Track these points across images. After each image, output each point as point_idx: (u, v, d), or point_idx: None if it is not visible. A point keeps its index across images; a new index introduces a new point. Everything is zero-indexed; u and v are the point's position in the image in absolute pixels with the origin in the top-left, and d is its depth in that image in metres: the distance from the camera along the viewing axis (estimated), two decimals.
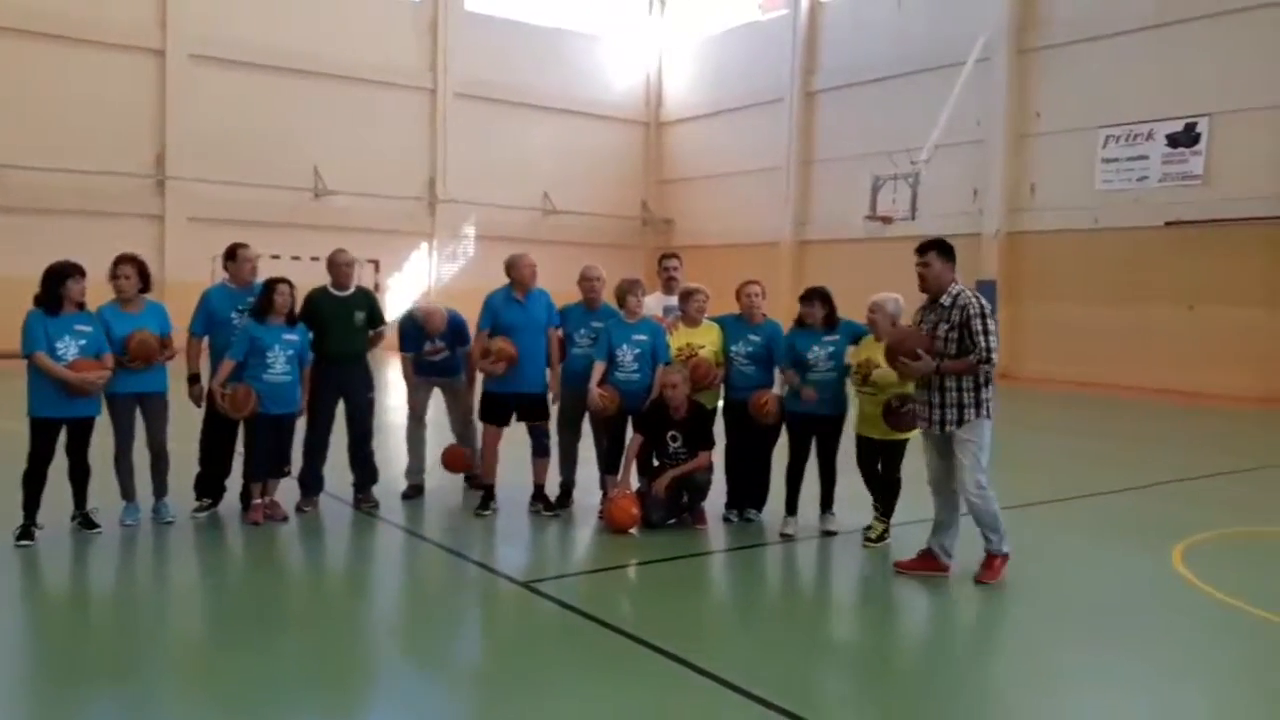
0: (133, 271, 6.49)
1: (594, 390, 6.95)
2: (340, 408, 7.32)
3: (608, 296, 7.34)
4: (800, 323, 6.91)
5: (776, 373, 7.05)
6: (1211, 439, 13.51)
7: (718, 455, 7.21)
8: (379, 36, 25.93)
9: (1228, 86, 18.30)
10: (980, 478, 5.81)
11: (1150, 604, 5.74)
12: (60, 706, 3.98)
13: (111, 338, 6.34)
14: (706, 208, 28.99)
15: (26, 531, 6.13)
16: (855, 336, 6.88)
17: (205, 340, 7.05)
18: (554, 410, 7.44)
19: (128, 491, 6.66)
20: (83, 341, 6.17)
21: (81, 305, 6.26)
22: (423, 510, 7.52)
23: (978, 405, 5.81)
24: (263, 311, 6.73)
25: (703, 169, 29.28)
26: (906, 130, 21.85)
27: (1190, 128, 18.89)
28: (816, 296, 6.89)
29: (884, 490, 6.75)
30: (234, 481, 7.12)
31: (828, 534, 6.93)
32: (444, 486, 8.02)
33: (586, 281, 7.34)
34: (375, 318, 7.47)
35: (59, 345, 6.09)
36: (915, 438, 6.47)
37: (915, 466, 6.53)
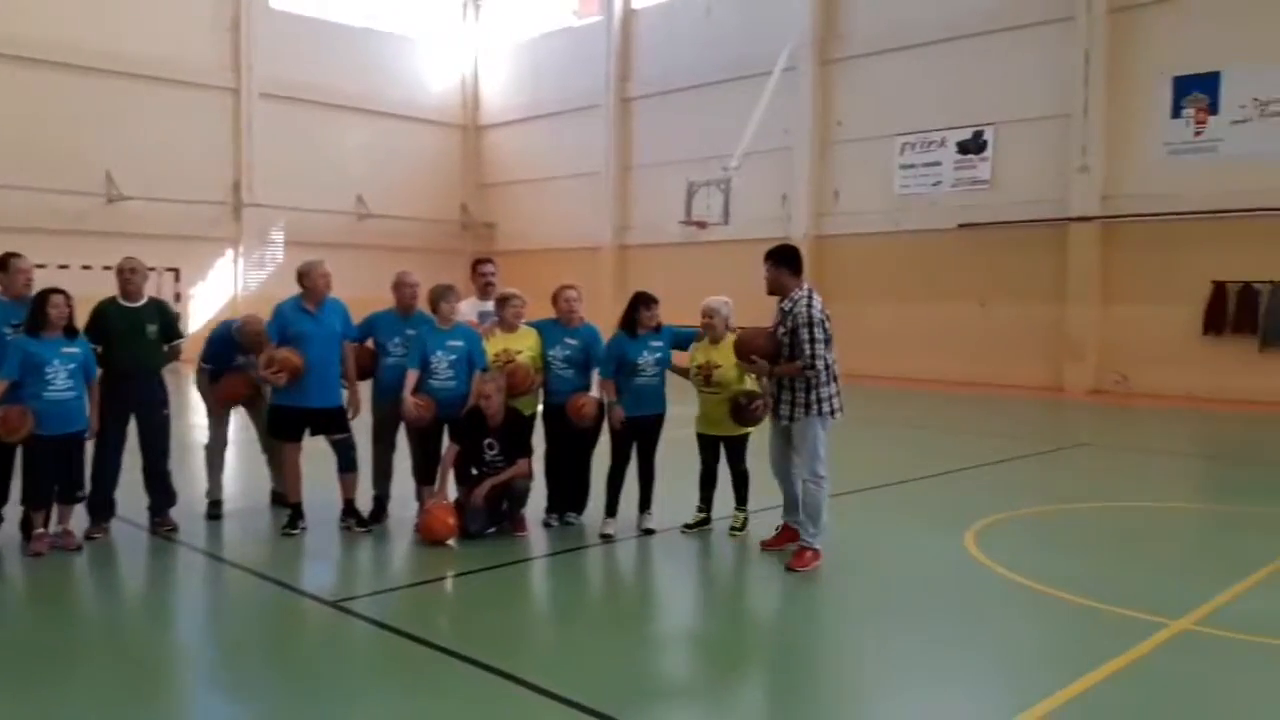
0: None
1: (408, 399, 6.78)
2: (134, 427, 6.87)
3: (421, 303, 7.19)
4: (628, 327, 6.96)
5: (594, 375, 7.08)
6: (1003, 427, 14.48)
7: (537, 460, 7.19)
8: (176, 34, 24.55)
9: (1010, 97, 19.68)
10: (818, 467, 6.24)
11: (944, 583, 6.08)
12: None
13: None
14: (528, 212, 28.90)
15: None
16: (677, 340, 7.04)
17: None
18: (365, 422, 7.22)
19: None
20: None
21: None
22: (226, 532, 7.14)
23: (807, 406, 6.22)
24: (37, 325, 6.23)
25: (523, 173, 29.17)
26: (719, 137, 22.45)
27: (978, 135, 20.21)
28: (651, 301, 6.99)
29: (735, 481, 7.07)
30: (14, 509, 6.56)
31: (647, 532, 7.02)
32: (251, 507, 7.62)
33: (402, 288, 7.15)
34: (170, 330, 7.05)
35: None
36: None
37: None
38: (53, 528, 6.48)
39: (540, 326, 7.25)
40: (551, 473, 7.28)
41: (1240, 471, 11.02)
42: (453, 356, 6.88)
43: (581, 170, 27.28)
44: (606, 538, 6.94)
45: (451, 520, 6.67)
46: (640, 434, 7.01)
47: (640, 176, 26.39)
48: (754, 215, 22.09)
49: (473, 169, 30.48)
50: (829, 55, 22.37)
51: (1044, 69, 19.26)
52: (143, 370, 6.85)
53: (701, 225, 22.17)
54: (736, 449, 7.07)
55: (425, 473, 7.04)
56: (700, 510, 7.18)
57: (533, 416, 7.20)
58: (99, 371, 6.57)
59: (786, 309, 6.29)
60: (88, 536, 6.66)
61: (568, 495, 7.29)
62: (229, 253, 25.72)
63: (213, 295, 25.00)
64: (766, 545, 6.68)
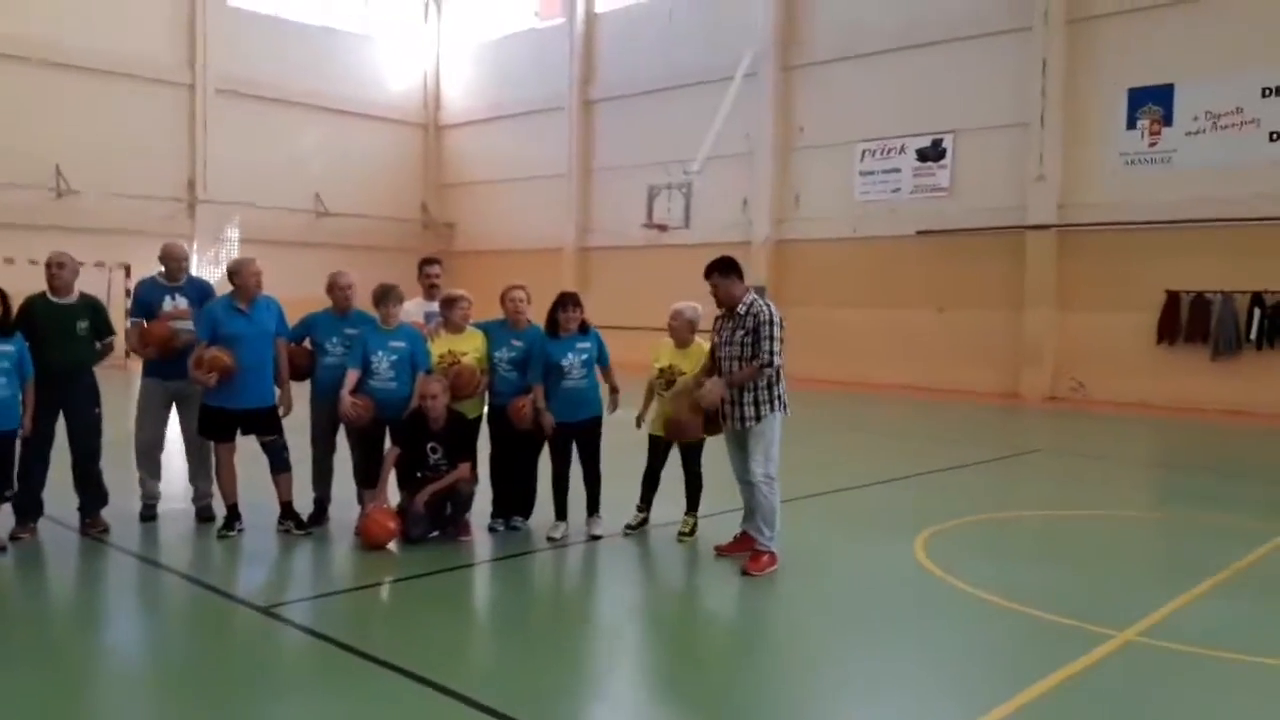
0: None
1: (345, 398, 6.60)
2: (63, 425, 6.64)
3: (364, 303, 7.02)
4: (553, 329, 6.84)
5: None
6: (960, 433, 14.50)
7: (483, 464, 7.05)
8: (131, 28, 24.09)
9: (969, 106, 19.79)
10: (770, 469, 6.21)
11: (891, 591, 6.01)
12: None
13: None
14: (489, 213, 28.69)
15: None
16: (602, 346, 6.98)
17: None
18: (302, 422, 7.03)
19: None
20: None
21: None
22: (161, 534, 6.91)
23: (770, 403, 6.21)
24: None
25: (485, 174, 28.95)
26: (680, 141, 22.39)
27: (937, 143, 20.30)
28: (572, 302, 6.87)
29: (689, 484, 7.00)
30: None
31: (595, 538, 6.90)
32: (189, 509, 7.36)
33: (334, 290, 6.98)
34: (101, 328, 6.83)
35: None
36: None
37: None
38: None
39: (486, 328, 7.11)
40: (497, 476, 7.14)
41: (1191, 479, 11.09)
42: (394, 357, 6.72)
43: (543, 172, 27.11)
44: (553, 541, 6.82)
45: (392, 524, 6.51)
46: (577, 439, 6.91)
47: (602, 179, 26.27)
48: (715, 220, 22.05)
49: (433, 169, 30.21)
50: (790, 61, 22.39)
51: (1002, 78, 19.40)
52: (73, 367, 6.63)
53: (662, 228, 22.09)
54: (692, 450, 6.97)
55: (366, 475, 6.87)
56: (640, 510, 7.13)
57: (477, 419, 7.05)
58: (33, 369, 6.34)
59: (742, 312, 6.25)
60: (13, 537, 6.45)
61: (513, 499, 7.15)
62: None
63: None
64: (721, 551, 6.59)
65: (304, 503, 7.06)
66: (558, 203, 26.78)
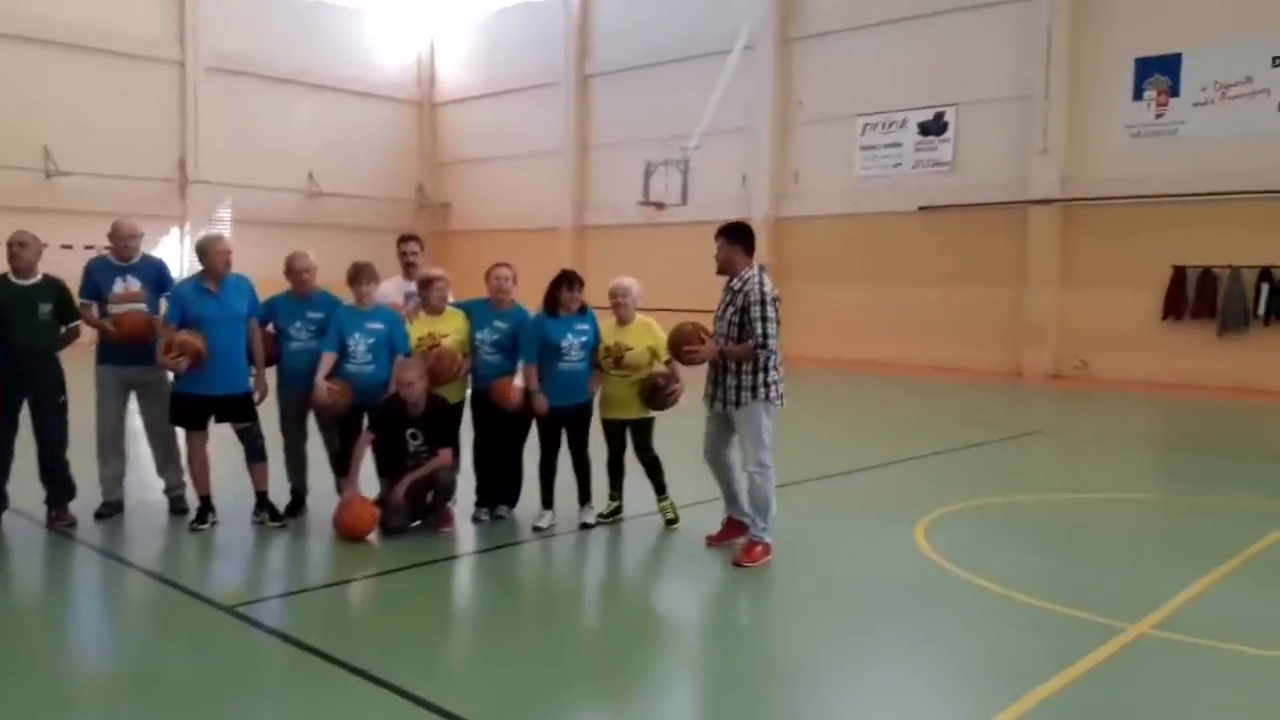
0: None
1: (321, 383, 6.32)
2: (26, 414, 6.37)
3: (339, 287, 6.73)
4: (552, 308, 6.55)
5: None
6: (961, 413, 14.23)
7: (466, 451, 6.78)
8: (118, 3, 23.64)
9: (972, 78, 19.37)
10: (762, 455, 5.91)
11: (893, 581, 5.74)
12: None
13: None
14: (485, 192, 28.29)
15: None
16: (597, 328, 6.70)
17: None
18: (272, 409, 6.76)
19: None
20: None
21: None
22: (129, 528, 6.63)
23: (754, 389, 5.88)
24: None
25: (480, 152, 28.52)
26: (678, 116, 21.95)
27: (939, 116, 19.90)
28: (575, 281, 6.58)
29: (648, 470, 6.73)
30: None
31: (585, 526, 6.64)
32: (161, 500, 7.04)
33: (291, 274, 6.64)
34: (66, 311, 6.53)
35: None
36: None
37: (691, 444, 6.43)
38: None
39: (468, 307, 6.82)
40: (480, 464, 6.86)
41: (1199, 460, 10.79)
42: (371, 339, 6.43)
43: (540, 149, 26.70)
44: (539, 531, 6.56)
45: (371, 514, 6.25)
46: (568, 424, 6.64)
47: (599, 156, 25.85)
48: (713, 196, 21.64)
49: (428, 147, 29.78)
50: (789, 33, 21.94)
51: (1006, 49, 18.97)
52: (35, 353, 6.34)
53: (659, 206, 21.72)
54: (642, 435, 6.69)
55: (344, 464, 6.59)
56: (612, 498, 6.84)
57: (459, 404, 6.77)
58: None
59: (736, 288, 5.95)
60: None
61: (498, 488, 6.88)
62: (174, 231, 24.89)
63: None
64: (712, 541, 6.33)
65: (281, 493, 6.80)
66: (554, 181, 26.37)
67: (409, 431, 6.36)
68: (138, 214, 23.24)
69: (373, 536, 6.28)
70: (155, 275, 6.80)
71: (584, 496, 6.76)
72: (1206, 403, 15.20)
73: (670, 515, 6.75)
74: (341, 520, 6.22)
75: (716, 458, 6.24)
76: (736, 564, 5.88)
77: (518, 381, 6.49)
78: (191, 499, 6.71)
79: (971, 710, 4.05)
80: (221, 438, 6.64)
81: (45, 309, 6.38)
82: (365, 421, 6.51)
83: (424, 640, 4.72)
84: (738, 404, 5.90)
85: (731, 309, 5.92)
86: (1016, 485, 8.67)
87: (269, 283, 6.85)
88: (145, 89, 24.26)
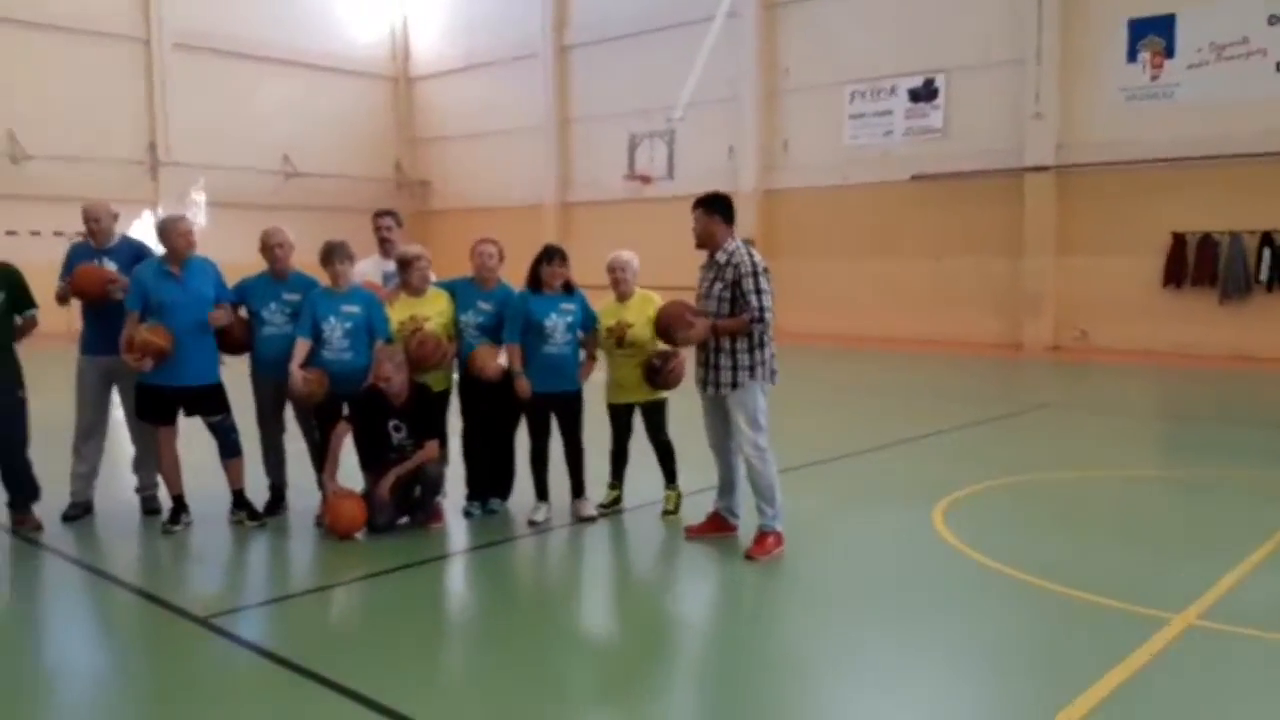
0: None
1: (295, 372, 5.87)
2: None
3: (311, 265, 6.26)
4: (535, 284, 6.12)
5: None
6: (963, 388, 13.89)
7: (454, 440, 6.35)
8: None
9: (962, 42, 18.92)
10: (759, 439, 5.51)
11: (914, 571, 5.36)
12: None
13: None
14: (465, 169, 27.69)
15: None
16: (588, 309, 6.29)
17: None
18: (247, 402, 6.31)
19: None
20: None
21: None
22: (99, 530, 6.19)
23: (751, 368, 5.48)
24: None
25: (459, 128, 27.90)
26: (661, 87, 21.45)
27: (929, 83, 19.45)
28: (558, 256, 6.14)
29: (659, 455, 6.37)
30: None
31: (582, 519, 6.23)
32: (132, 501, 6.59)
33: (268, 250, 6.17)
34: (20, 300, 6.05)
35: None
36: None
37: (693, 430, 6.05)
38: None
39: (451, 287, 6.38)
40: (470, 454, 6.43)
41: (1214, 432, 10.40)
42: (348, 324, 5.97)
43: (520, 124, 26.11)
44: (534, 525, 6.15)
45: (358, 511, 5.81)
46: (557, 412, 6.21)
47: (581, 130, 25.28)
48: (700, 169, 21.14)
49: (405, 124, 29.12)
50: None
51: (996, 12, 18.52)
52: None
53: (645, 180, 21.24)
54: (654, 418, 6.34)
55: (324, 458, 6.14)
56: (612, 488, 6.49)
57: (445, 392, 6.32)
58: None
59: (722, 261, 5.53)
60: None
61: (489, 479, 6.46)
62: (146, 215, 24.20)
63: None
64: (691, 532, 5.93)
65: (259, 489, 6.36)
66: (536, 156, 25.80)
67: (391, 423, 5.91)
68: (108, 198, 22.65)
69: (359, 535, 5.85)
70: (131, 258, 6.29)
71: (577, 488, 6.35)
72: (1209, 371, 14.91)
73: (670, 507, 6.36)
74: (330, 517, 5.79)
75: (723, 446, 5.82)
76: (748, 557, 5.49)
77: (501, 358, 6.05)
78: (164, 499, 6.26)
79: (1028, 713, 3.67)
80: (194, 432, 6.19)
81: None
82: (345, 411, 6.06)
83: (413, 652, 4.30)
84: (734, 385, 5.49)
85: (720, 284, 5.50)
86: (1031, 463, 8.31)
87: (246, 267, 6.41)
88: (111, 68, 23.57)
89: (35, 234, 19.61)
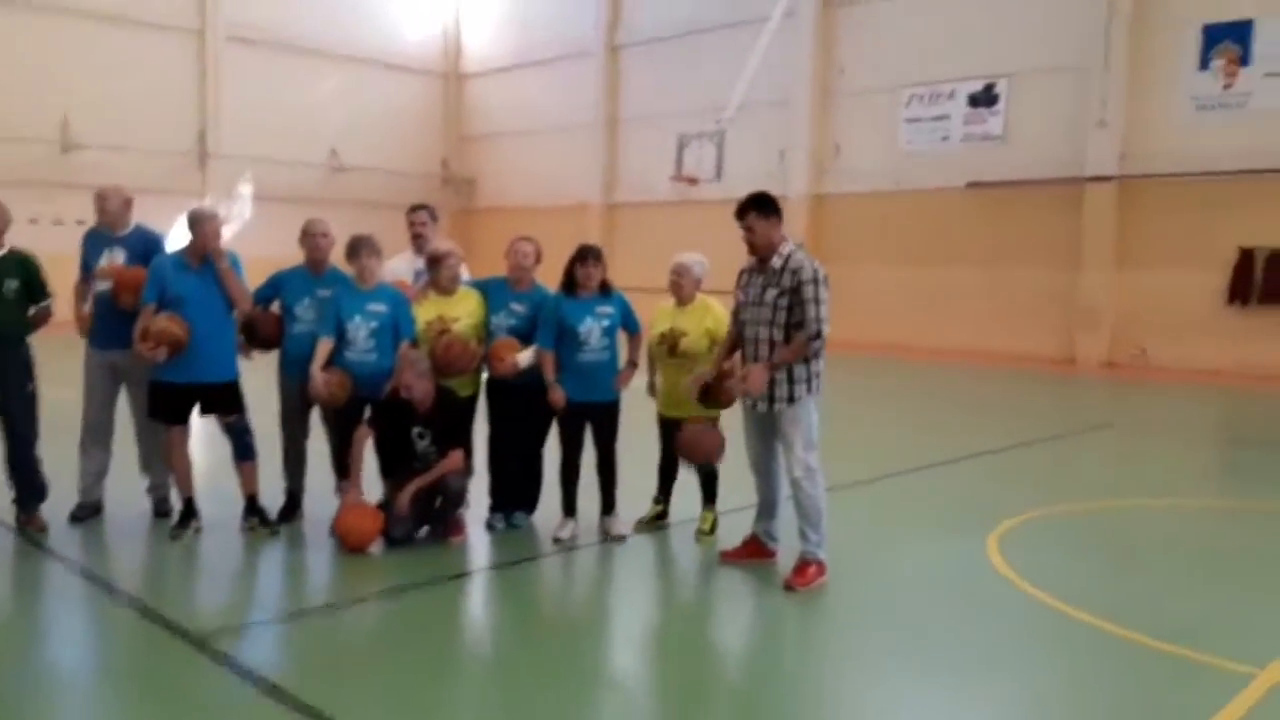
0: None
1: (316, 374, 5.57)
2: None
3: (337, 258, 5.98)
4: (569, 287, 5.77)
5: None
6: (1017, 404, 13.34)
7: (480, 449, 6.03)
8: None
9: (1025, 47, 18.30)
10: (809, 459, 5.12)
11: (968, 610, 4.93)
12: None
13: None
14: (512, 167, 27.49)
15: None
16: (628, 311, 5.92)
17: None
18: (266, 402, 6.02)
19: None
20: None
21: None
22: (107, 533, 5.92)
23: (808, 380, 5.10)
24: None
25: (507, 125, 27.70)
26: (712, 88, 21.08)
27: (989, 88, 18.86)
28: (592, 256, 5.78)
29: (702, 474, 6.00)
30: None
31: (613, 538, 5.87)
32: (144, 501, 6.30)
33: (309, 238, 5.92)
34: (34, 290, 5.80)
35: None
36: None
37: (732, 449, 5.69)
38: None
39: (484, 286, 6.06)
40: (496, 464, 6.09)
41: None
42: (373, 324, 5.66)
43: (568, 123, 25.84)
44: (560, 543, 5.80)
45: (372, 523, 5.50)
46: (592, 422, 5.85)
47: (630, 130, 24.94)
48: (749, 172, 20.64)
49: (454, 121, 29.01)
50: None
51: (1062, 16, 17.88)
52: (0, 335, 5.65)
53: (692, 182, 20.82)
54: None
55: (345, 463, 5.83)
56: (656, 503, 6.15)
57: (472, 398, 6.00)
58: None
59: (778, 266, 5.10)
60: None
61: (515, 490, 6.11)
62: (194, 206, 24.32)
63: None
64: (727, 557, 5.55)
65: (275, 493, 6.07)
66: (583, 155, 25.52)
67: (415, 430, 5.59)
68: (155, 189, 22.84)
69: (375, 547, 5.54)
70: (143, 248, 6.02)
71: (607, 505, 5.99)
72: (1277, 394, 14.17)
73: (706, 527, 5.99)
74: (343, 529, 5.47)
75: (767, 466, 5.43)
76: (788, 587, 5.09)
77: (523, 356, 5.70)
78: (176, 500, 5.99)
79: None
80: (207, 432, 5.92)
81: (11, 285, 5.66)
82: (367, 415, 5.75)
83: (421, 683, 3.95)
84: (790, 399, 5.08)
85: (774, 290, 5.07)
86: (1094, 489, 7.82)
87: (288, 260, 6.16)
88: (164, 59, 23.66)
89: (80, 223, 19.60)
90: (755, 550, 5.53)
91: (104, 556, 5.62)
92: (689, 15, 23.01)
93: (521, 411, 5.91)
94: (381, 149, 26.94)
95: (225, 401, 5.76)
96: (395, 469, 5.68)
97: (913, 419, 11.76)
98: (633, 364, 5.96)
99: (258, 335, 5.92)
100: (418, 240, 6.34)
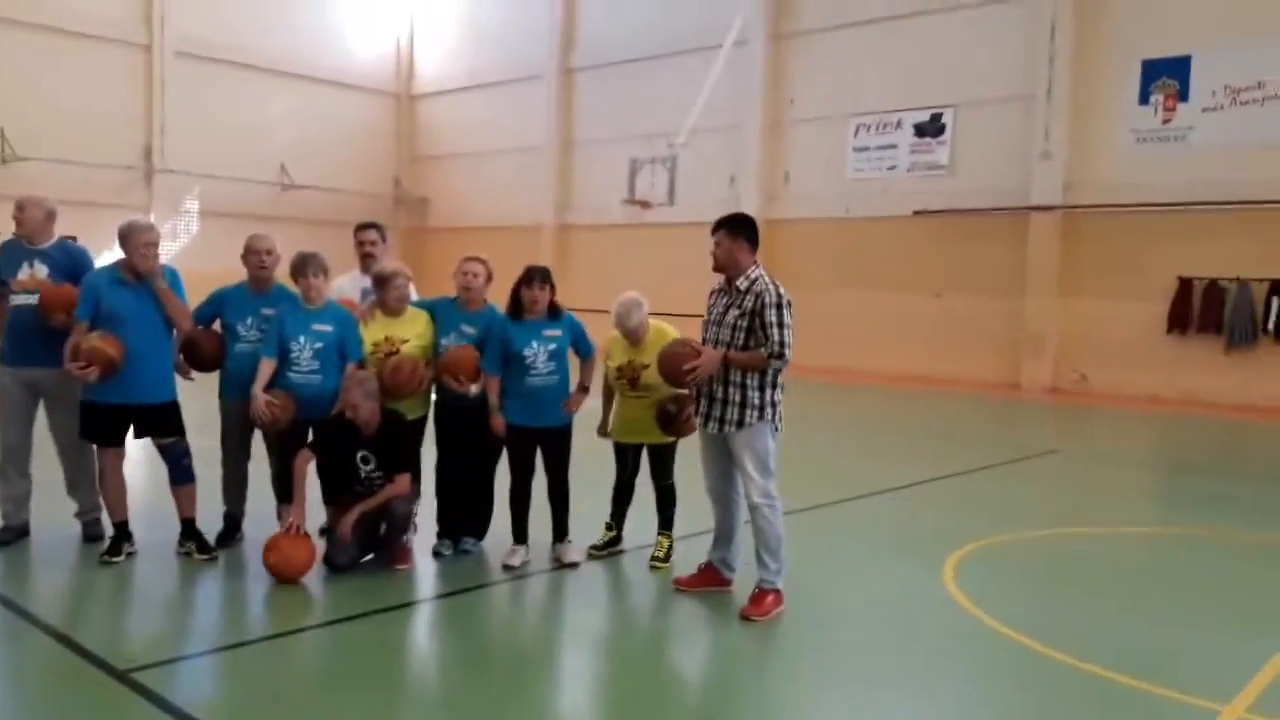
0: None
1: (258, 395, 5.40)
2: None
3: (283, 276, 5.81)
4: (515, 310, 5.66)
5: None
6: (963, 429, 13.42)
7: (428, 473, 5.88)
8: None
9: (971, 77, 18.57)
10: (769, 485, 5.04)
11: (926, 643, 4.87)
12: None
13: None
14: (465, 187, 27.29)
15: None
16: (580, 334, 5.81)
17: None
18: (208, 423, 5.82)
19: None
20: None
21: None
22: (33, 558, 5.66)
23: (761, 408, 5.01)
24: None
25: (460, 146, 27.51)
26: (665, 113, 21.11)
27: (936, 118, 19.11)
28: (539, 278, 5.68)
29: (659, 500, 5.93)
30: None
31: (564, 566, 5.74)
32: (74, 523, 6.09)
33: (250, 256, 5.75)
34: None
35: None
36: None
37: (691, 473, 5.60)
38: None
39: (433, 307, 5.93)
40: (444, 489, 5.93)
41: (1236, 487, 9.73)
42: (319, 344, 5.51)
43: (522, 145, 25.72)
44: (510, 569, 5.66)
45: (305, 555, 5.28)
46: (543, 448, 5.74)
47: (583, 153, 24.89)
48: (700, 196, 20.77)
49: (406, 140, 28.76)
50: (783, 29, 21.08)
51: (1007, 48, 18.20)
52: None
53: (645, 205, 20.87)
54: (662, 460, 5.89)
55: (286, 487, 5.65)
56: (610, 528, 6.03)
57: (420, 421, 5.85)
58: None
59: (742, 288, 5.06)
60: None
61: (464, 516, 5.96)
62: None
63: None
64: (681, 585, 5.45)
65: (213, 518, 5.86)
66: (536, 177, 25.42)
67: (360, 454, 5.43)
68: (100, 203, 22.24)
69: (316, 576, 5.35)
70: (68, 263, 5.80)
71: (560, 531, 5.88)
72: (1215, 421, 14.45)
73: (661, 554, 5.88)
74: (272, 563, 5.23)
75: (725, 493, 5.35)
76: (744, 617, 4.99)
77: (473, 386, 5.59)
78: (108, 525, 5.74)
79: None
80: (146, 453, 5.70)
81: None
82: (311, 438, 5.58)
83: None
84: (740, 424, 5.01)
85: (736, 312, 5.03)
86: (1046, 516, 7.85)
87: (235, 277, 5.95)
88: (110, 72, 23.16)
89: None
90: (711, 578, 5.43)
91: (26, 583, 5.37)
92: (642, 41, 23.08)
93: (472, 435, 5.77)
94: (333, 167, 26.59)
95: (163, 423, 5.55)
96: (338, 494, 5.51)
97: (862, 444, 11.79)
98: (584, 388, 5.85)
99: (198, 355, 5.73)
100: (366, 259, 6.20)
